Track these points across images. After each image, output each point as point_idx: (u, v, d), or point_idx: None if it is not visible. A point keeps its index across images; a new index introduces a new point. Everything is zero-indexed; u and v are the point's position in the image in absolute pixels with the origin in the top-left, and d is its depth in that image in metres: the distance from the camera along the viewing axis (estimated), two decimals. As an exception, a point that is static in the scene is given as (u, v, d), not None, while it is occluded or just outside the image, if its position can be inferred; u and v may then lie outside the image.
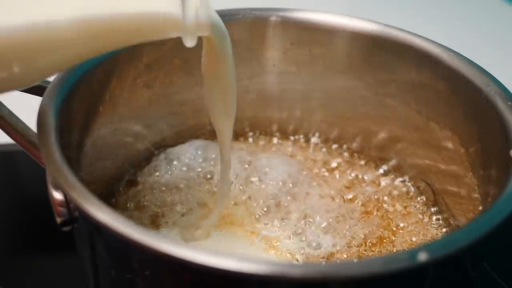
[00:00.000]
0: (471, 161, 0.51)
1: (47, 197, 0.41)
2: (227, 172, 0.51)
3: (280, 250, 0.50)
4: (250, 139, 0.62)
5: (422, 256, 0.35)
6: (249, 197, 0.55)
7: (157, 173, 0.57)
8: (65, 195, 0.40)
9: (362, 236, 0.52)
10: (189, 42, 0.43)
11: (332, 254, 0.50)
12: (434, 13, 1.03)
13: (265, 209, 0.54)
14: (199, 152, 0.59)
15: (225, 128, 0.49)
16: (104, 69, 0.51)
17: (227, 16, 0.56)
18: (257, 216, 0.53)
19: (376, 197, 0.56)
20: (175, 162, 0.58)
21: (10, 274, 0.57)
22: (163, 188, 0.55)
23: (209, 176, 0.57)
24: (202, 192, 0.55)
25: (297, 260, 0.50)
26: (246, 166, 0.58)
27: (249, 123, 0.63)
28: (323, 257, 0.50)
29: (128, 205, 0.54)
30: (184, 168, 0.57)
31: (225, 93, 0.47)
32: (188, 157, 0.58)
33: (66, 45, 0.38)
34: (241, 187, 0.56)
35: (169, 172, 0.57)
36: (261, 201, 0.54)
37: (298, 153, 0.61)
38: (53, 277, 0.57)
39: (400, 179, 0.58)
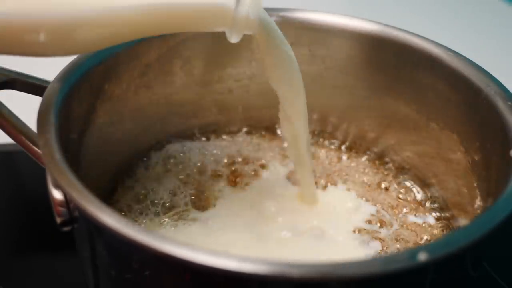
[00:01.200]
0: (471, 161, 0.51)
1: (47, 197, 0.41)
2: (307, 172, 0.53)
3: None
4: (251, 138, 0.62)
5: (422, 256, 0.35)
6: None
7: (157, 173, 0.57)
8: (65, 195, 0.40)
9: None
10: (234, 38, 0.45)
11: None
12: (434, 13, 1.03)
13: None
14: (200, 152, 0.59)
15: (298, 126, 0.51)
16: (104, 69, 0.51)
17: (227, 16, 0.56)
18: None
19: (375, 196, 0.56)
20: (175, 162, 0.58)
21: (10, 274, 0.57)
22: (164, 187, 0.55)
23: (209, 175, 0.57)
24: (202, 191, 0.55)
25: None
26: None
27: (250, 122, 0.63)
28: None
29: (128, 204, 0.54)
30: (184, 167, 0.57)
31: (283, 89, 0.50)
32: (188, 157, 0.58)
33: (122, 24, 0.42)
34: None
35: (169, 171, 0.57)
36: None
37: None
38: (53, 277, 0.57)
39: (400, 178, 0.58)
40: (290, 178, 0.57)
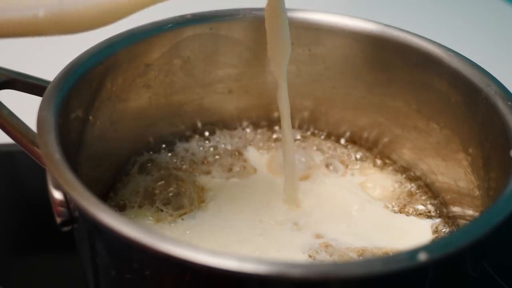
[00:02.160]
0: (471, 161, 0.51)
1: (47, 197, 0.41)
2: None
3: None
4: (251, 138, 0.62)
5: (422, 256, 0.35)
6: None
7: (156, 171, 0.57)
8: (65, 195, 0.40)
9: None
10: None
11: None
12: (434, 13, 1.03)
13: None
14: (199, 151, 0.59)
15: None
16: (104, 69, 0.51)
17: (227, 16, 0.56)
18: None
19: (375, 193, 0.56)
20: (174, 161, 0.58)
21: (10, 274, 0.57)
22: (162, 185, 0.55)
23: (208, 173, 0.57)
24: (201, 188, 0.55)
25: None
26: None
27: (250, 122, 0.63)
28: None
29: (127, 202, 0.54)
30: (184, 166, 0.57)
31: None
32: (188, 156, 0.58)
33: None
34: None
35: (168, 170, 0.57)
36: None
37: (300, 151, 0.61)
38: (53, 277, 0.57)
39: (400, 177, 0.58)
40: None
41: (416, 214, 0.55)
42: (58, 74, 0.48)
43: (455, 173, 0.53)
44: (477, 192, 0.50)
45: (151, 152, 0.58)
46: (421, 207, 0.56)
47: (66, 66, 0.48)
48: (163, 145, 0.59)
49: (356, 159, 0.60)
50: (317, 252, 0.49)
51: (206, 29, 0.56)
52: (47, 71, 0.50)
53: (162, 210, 0.53)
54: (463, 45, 0.57)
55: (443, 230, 0.53)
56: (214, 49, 0.57)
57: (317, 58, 0.58)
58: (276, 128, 0.63)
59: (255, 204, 0.54)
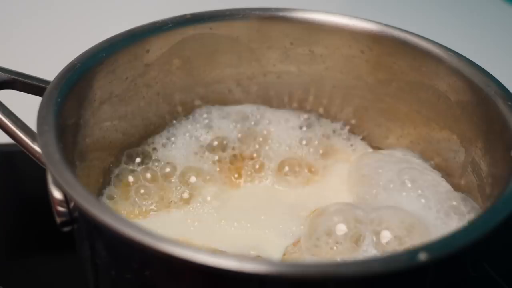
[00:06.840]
0: (471, 161, 0.51)
1: (47, 197, 0.41)
2: None
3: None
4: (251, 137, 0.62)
5: (422, 256, 0.35)
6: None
7: (157, 172, 0.57)
8: (65, 195, 0.40)
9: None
10: None
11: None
12: (434, 13, 1.03)
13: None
14: (198, 149, 0.59)
15: None
16: (104, 69, 0.51)
17: (227, 16, 0.56)
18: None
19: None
20: (174, 159, 0.58)
21: (10, 274, 0.57)
22: (161, 183, 0.55)
23: (207, 172, 0.57)
24: (196, 186, 0.55)
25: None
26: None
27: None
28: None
29: (127, 201, 0.54)
30: (184, 165, 0.57)
31: None
32: (188, 155, 0.58)
33: None
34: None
35: (167, 168, 0.57)
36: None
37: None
38: (53, 277, 0.57)
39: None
40: (287, 173, 0.57)
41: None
42: (58, 74, 0.48)
43: (455, 173, 0.53)
44: (477, 192, 0.50)
45: (151, 152, 0.58)
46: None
47: (66, 66, 0.48)
48: (163, 145, 0.59)
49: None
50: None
51: (206, 29, 0.56)
52: (47, 71, 0.50)
53: (155, 207, 0.53)
54: (463, 45, 0.57)
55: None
56: (214, 49, 0.57)
57: (317, 58, 0.58)
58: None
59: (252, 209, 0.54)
